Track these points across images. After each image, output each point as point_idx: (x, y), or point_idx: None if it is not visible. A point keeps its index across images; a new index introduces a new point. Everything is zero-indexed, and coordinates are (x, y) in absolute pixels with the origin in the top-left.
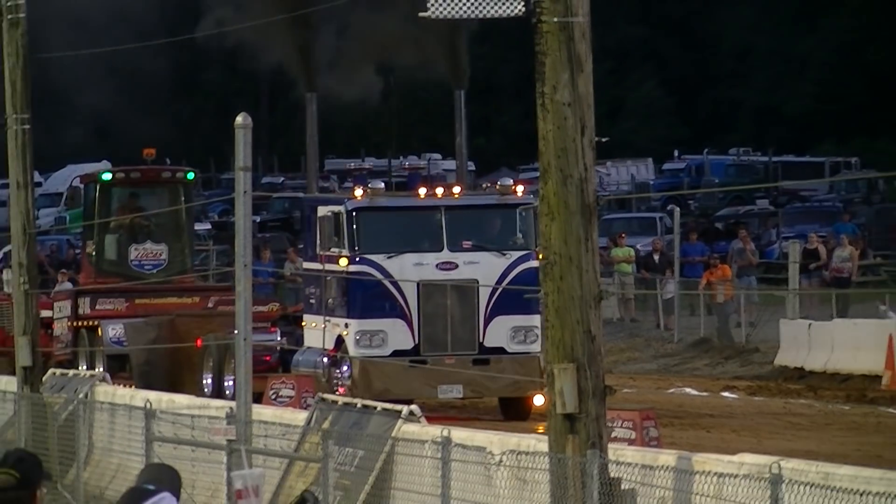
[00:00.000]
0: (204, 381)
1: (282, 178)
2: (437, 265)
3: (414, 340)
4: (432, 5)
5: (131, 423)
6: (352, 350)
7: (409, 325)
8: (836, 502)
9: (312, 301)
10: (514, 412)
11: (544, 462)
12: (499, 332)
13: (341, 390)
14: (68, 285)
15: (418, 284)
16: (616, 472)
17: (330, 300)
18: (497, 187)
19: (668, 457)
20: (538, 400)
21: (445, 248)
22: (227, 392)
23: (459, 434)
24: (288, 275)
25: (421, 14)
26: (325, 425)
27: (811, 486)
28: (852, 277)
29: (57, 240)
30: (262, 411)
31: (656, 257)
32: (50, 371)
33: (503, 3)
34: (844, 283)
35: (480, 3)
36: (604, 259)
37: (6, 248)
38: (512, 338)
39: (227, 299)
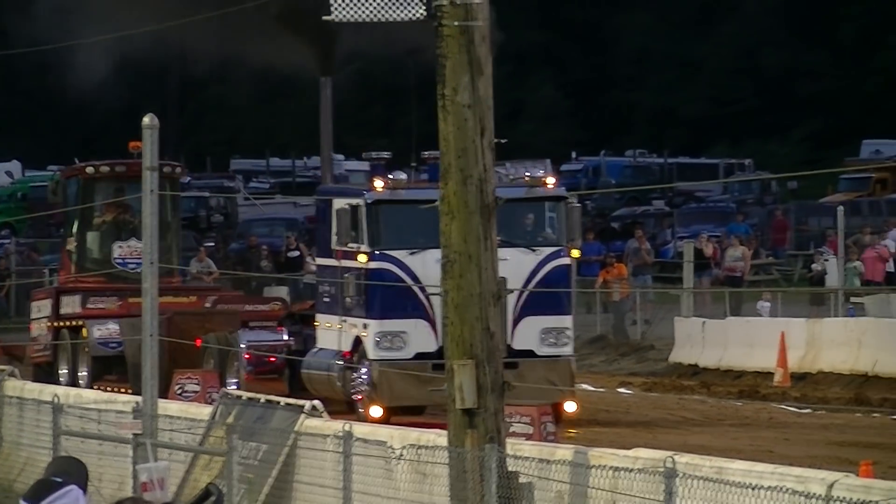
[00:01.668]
0: None
1: (188, 178)
2: None
3: (437, 342)
4: (335, 9)
5: (39, 417)
6: (371, 352)
7: (433, 326)
8: (728, 496)
9: (327, 299)
10: None
11: (444, 456)
12: (528, 334)
13: (359, 397)
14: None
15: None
16: (514, 466)
17: (347, 299)
18: (526, 179)
19: (564, 451)
20: (570, 406)
21: None
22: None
23: (361, 429)
24: (195, 272)
25: (324, 17)
26: (230, 420)
27: (704, 480)
28: (744, 276)
29: None
30: (167, 406)
31: None
32: None
33: (405, 7)
34: (737, 282)
35: (383, 7)
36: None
37: None
38: (542, 340)
39: (227, 298)
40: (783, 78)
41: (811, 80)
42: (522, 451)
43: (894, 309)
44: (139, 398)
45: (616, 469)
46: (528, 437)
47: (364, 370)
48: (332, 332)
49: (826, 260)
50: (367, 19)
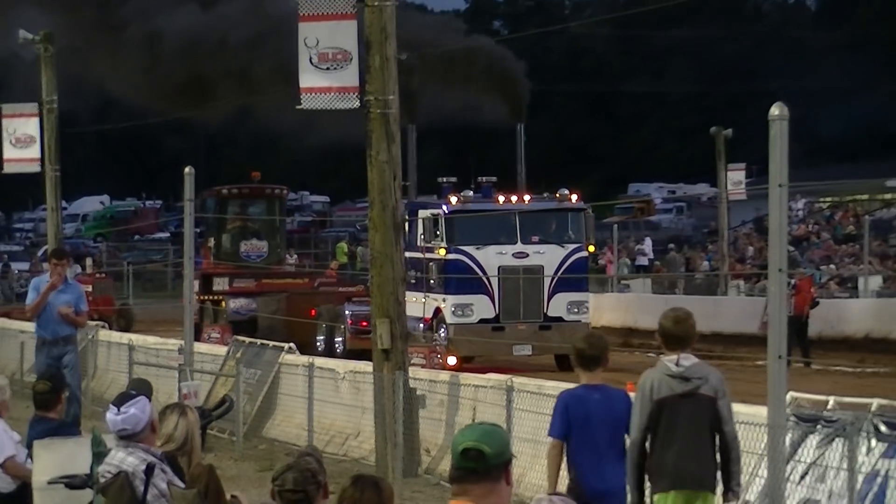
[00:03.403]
0: (317, 341)
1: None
2: (512, 254)
3: (495, 311)
4: (304, 100)
5: (120, 353)
6: (448, 318)
7: (492, 299)
8: (544, 403)
9: (413, 281)
10: (567, 366)
11: (370, 378)
12: (558, 305)
13: (439, 349)
14: (77, 267)
15: (499, 269)
16: (413, 385)
17: (430, 281)
18: (557, 196)
19: (445, 375)
20: None
21: (519, 241)
22: (338, 348)
23: (319, 361)
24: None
25: (297, 107)
26: (238, 355)
27: (530, 393)
28: None
29: (76, 242)
30: (199, 346)
31: None
32: None
33: (347, 101)
34: None
35: (334, 101)
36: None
37: (45, 247)
38: (568, 310)
39: (328, 281)
40: (582, 142)
41: (599, 143)
42: (419, 375)
43: (648, 288)
44: (182, 342)
45: (476, 386)
46: (423, 366)
47: (442, 331)
48: (417, 305)
49: (607, 257)
50: (324, 107)
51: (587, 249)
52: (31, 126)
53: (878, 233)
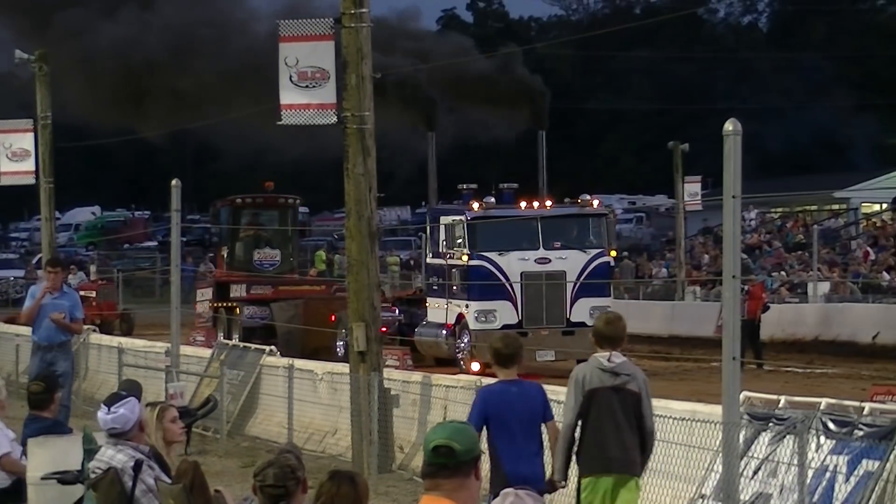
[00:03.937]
0: (336, 346)
1: (199, 216)
2: (535, 260)
3: (518, 317)
4: (285, 116)
5: (111, 355)
6: (471, 324)
7: (515, 305)
8: None
9: (435, 287)
10: None
11: (347, 379)
12: (581, 310)
13: (461, 356)
14: (81, 275)
15: (522, 274)
16: (388, 385)
17: (453, 287)
18: (578, 201)
19: (417, 376)
20: None
21: (541, 246)
22: None
23: (298, 363)
24: (202, 271)
25: (278, 122)
26: (222, 357)
27: None
28: None
29: (69, 250)
30: (185, 349)
31: (411, 262)
32: None
33: (325, 117)
34: None
35: (313, 117)
36: (382, 263)
37: (39, 255)
38: (591, 315)
39: (342, 287)
40: (546, 156)
41: (561, 160)
42: (392, 376)
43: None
44: (169, 345)
45: (448, 386)
46: (396, 367)
47: (466, 337)
48: (439, 311)
49: None
50: (303, 123)
51: (609, 254)
52: (26, 141)
53: (826, 241)
